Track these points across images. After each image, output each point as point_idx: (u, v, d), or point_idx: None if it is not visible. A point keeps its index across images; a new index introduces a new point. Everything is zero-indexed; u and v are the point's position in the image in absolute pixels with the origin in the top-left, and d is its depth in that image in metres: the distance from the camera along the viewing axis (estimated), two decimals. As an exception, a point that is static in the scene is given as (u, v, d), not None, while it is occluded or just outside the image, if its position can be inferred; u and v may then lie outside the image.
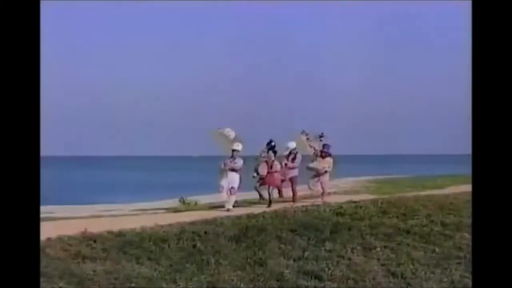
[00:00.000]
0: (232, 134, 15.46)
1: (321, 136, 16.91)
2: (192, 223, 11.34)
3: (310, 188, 16.29)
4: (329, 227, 11.03)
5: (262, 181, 15.80)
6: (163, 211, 16.28)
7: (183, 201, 17.78)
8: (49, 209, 19.99)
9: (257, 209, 13.58)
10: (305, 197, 16.33)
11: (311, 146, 16.78)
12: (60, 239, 9.80)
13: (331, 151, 16.40)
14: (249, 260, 9.47)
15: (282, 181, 16.13)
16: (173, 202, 19.14)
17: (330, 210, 12.58)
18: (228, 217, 12.08)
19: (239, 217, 12.06)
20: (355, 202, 13.73)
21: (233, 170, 14.87)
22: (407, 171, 41.82)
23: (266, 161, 15.83)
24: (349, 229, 10.94)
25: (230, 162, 14.92)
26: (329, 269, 9.14)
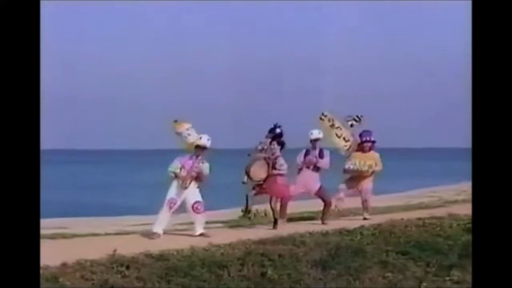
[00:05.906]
0: (191, 135, 13.19)
1: (356, 121, 15.42)
2: (261, 242, 11.48)
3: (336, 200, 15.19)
4: (457, 249, 10.96)
5: (260, 189, 13.97)
6: (220, 225, 16.40)
7: (246, 211, 17.46)
8: (61, 222, 20.24)
9: (350, 223, 13.60)
10: (342, 214, 15.90)
11: (339, 136, 15.28)
12: (79, 264, 10.01)
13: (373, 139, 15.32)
14: (341, 293, 9.55)
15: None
16: (233, 213, 19.17)
17: (458, 225, 12.49)
18: (311, 234, 12.13)
19: (325, 234, 12.14)
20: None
21: (196, 178, 13.01)
22: None
23: (265, 158, 13.77)
24: (486, 251, 10.83)
25: (192, 166, 12.95)
26: (457, 307, 9.12)
